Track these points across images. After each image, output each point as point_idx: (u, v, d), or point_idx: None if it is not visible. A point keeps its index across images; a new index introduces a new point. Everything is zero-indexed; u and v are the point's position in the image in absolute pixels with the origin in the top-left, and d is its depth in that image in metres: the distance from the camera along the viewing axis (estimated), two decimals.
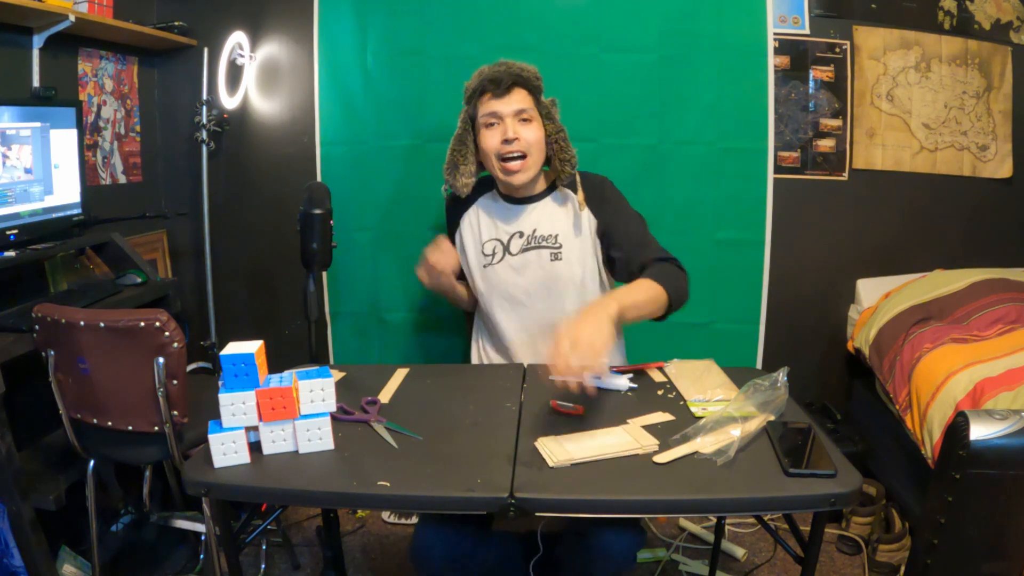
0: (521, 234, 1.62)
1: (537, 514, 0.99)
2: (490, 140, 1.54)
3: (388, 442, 1.14)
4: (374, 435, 1.17)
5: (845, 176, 2.39)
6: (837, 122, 2.36)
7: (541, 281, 1.61)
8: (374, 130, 2.28)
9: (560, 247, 1.60)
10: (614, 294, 1.35)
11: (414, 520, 2.10)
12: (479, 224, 1.66)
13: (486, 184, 1.68)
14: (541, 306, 1.62)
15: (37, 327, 1.46)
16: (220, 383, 1.08)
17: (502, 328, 1.64)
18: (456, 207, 1.70)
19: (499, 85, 1.52)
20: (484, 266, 1.65)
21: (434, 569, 1.32)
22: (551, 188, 1.64)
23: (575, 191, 1.61)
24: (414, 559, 1.34)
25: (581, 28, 2.18)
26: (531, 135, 1.54)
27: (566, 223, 1.61)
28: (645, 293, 1.37)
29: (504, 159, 1.54)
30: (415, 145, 2.26)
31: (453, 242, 1.71)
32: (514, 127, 1.52)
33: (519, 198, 1.64)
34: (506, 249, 1.63)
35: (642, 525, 1.35)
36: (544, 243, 1.61)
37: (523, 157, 1.54)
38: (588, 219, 1.61)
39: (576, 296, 1.61)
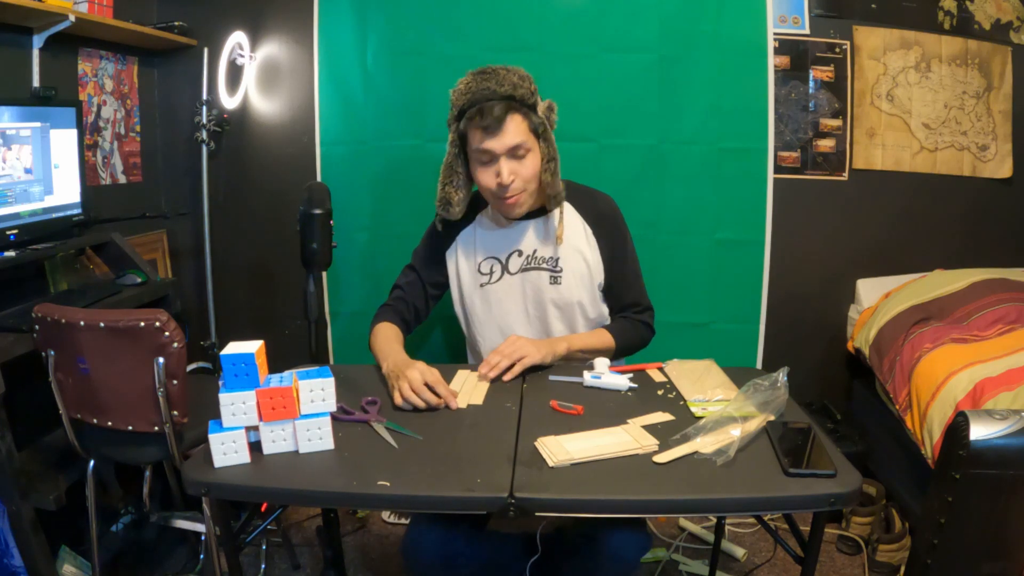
0: (520, 252, 1.58)
1: (537, 514, 0.99)
2: (485, 177, 1.46)
3: (388, 442, 1.14)
4: (374, 435, 1.17)
5: (845, 176, 2.39)
6: (837, 122, 2.36)
7: (539, 304, 1.58)
8: (374, 130, 2.28)
9: (560, 271, 1.56)
10: (570, 337, 1.54)
11: None
12: (476, 242, 1.60)
13: (480, 200, 1.60)
14: (537, 328, 1.60)
15: (37, 327, 1.45)
16: (220, 383, 1.08)
17: (495, 347, 1.54)
18: (453, 224, 1.60)
19: (490, 116, 1.38)
20: (481, 285, 1.60)
21: (424, 567, 1.32)
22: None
23: (578, 209, 1.57)
24: (405, 556, 1.34)
25: (581, 28, 2.18)
26: (527, 170, 1.44)
27: (567, 246, 1.56)
28: (597, 342, 1.56)
29: (501, 198, 1.47)
30: (415, 145, 2.26)
31: (443, 259, 1.63)
32: (509, 167, 1.42)
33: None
34: (504, 268, 1.59)
35: (648, 527, 1.35)
36: (544, 265, 1.57)
37: (521, 191, 1.46)
38: (592, 242, 1.57)
39: (574, 321, 1.59)
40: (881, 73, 2.34)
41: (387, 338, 1.49)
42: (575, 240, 1.57)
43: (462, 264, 1.61)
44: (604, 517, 1.20)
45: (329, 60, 2.27)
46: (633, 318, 1.62)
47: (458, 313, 1.67)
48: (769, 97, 2.19)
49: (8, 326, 1.55)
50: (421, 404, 1.25)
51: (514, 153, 1.43)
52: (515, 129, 1.42)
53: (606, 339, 1.56)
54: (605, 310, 1.63)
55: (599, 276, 1.59)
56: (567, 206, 1.58)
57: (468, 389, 1.35)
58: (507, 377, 1.40)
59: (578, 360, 1.53)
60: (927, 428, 1.74)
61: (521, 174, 1.44)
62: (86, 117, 2.11)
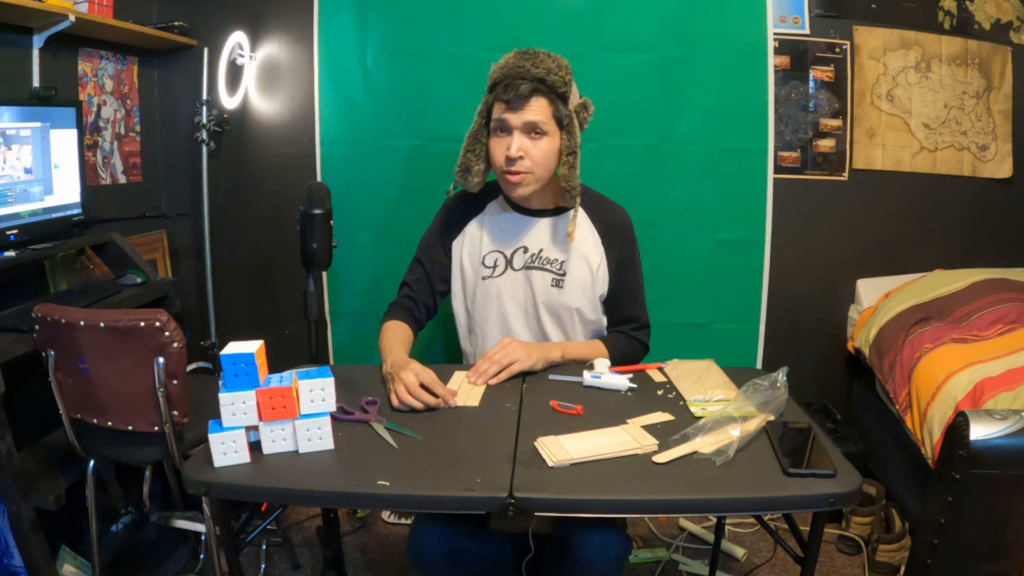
0: (526, 250, 1.56)
1: (535, 514, 0.99)
2: (496, 148, 1.46)
3: (388, 442, 1.14)
4: (374, 435, 1.17)
5: (845, 176, 2.39)
6: (837, 122, 2.36)
7: (537, 304, 1.57)
8: (374, 130, 2.28)
9: (564, 275, 1.55)
10: (565, 345, 1.54)
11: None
12: (483, 233, 1.59)
13: (493, 188, 1.59)
14: (534, 327, 1.59)
15: (37, 327, 1.46)
16: (220, 383, 1.08)
17: (491, 345, 1.53)
18: (463, 212, 1.60)
19: (514, 92, 1.39)
20: (483, 278, 1.59)
21: (430, 563, 1.32)
22: (566, 207, 1.56)
23: (591, 216, 1.57)
24: (410, 554, 1.34)
25: (581, 28, 2.18)
26: (539, 152, 1.43)
27: (574, 251, 1.55)
28: (592, 354, 1.53)
29: (506, 171, 1.46)
30: (415, 145, 2.26)
31: (449, 245, 1.62)
32: (520, 143, 1.42)
33: (529, 209, 1.57)
34: (508, 263, 1.57)
35: (629, 532, 1.34)
36: (548, 266, 1.55)
37: (527, 172, 1.45)
38: (600, 252, 1.56)
39: (569, 326, 1.59)
40: (881, 73, 2.34)
41: (391, 337, 1.49)
42: (583, 247, 1.56)
43: (467, 256, 1.61)
44: (580, 519, 1.19)
45: (329, 60, 2.27)
46: (630, 334, 1.62)
47: (457, 308, 1.66)
48: (769, 97, 2.19)
49: (8, 326, 1.55)
50: (419, 406, 1.25)
51: (529, 131, 1.43)
52: (537, 109, 1.42)
53: (601, 352, 1.56)
54: (603, 319, 1.63)
55: (602, 287, 1.58)
56: (580, 211, 1.56)
57: (465, 390, 1.35)
58: (493, 381, 1.39)
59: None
60: (927, 428, 1.74)
61: (531, 154, 1.43)
62: (86, 117, 2.11)
